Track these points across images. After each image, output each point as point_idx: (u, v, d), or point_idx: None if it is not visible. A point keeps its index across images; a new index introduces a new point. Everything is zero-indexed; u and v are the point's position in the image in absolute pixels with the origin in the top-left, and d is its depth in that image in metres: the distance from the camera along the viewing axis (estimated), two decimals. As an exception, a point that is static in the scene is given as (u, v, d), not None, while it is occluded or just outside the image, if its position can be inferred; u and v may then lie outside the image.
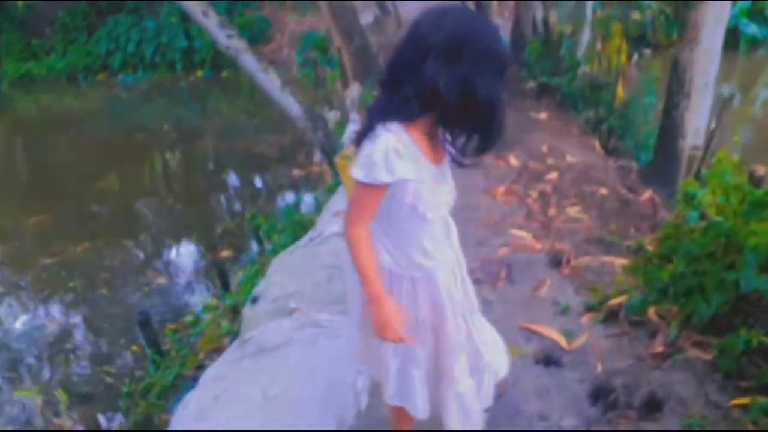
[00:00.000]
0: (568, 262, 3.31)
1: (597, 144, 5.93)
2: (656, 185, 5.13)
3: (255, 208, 7.75)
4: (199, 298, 5.45)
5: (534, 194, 4.23)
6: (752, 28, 9.84)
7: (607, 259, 3.28)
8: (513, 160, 4.87)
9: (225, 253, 6.27)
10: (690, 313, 2.59)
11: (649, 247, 3.32)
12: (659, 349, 2.55)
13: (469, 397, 1.83)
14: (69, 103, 14.20)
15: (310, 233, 4.15)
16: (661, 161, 5.34)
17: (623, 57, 7.22)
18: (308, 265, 3.47)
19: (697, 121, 5.08)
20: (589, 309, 2.86)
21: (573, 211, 3.91)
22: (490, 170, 4.64)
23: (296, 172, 8.69)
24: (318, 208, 6.43)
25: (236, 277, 5.44)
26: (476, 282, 3.17)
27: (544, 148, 5.13)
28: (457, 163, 1.68)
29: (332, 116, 8.67)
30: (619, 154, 6.00)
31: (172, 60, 14.52)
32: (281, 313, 2.96)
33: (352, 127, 6.38)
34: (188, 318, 4.64)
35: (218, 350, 3.99)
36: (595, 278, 3.13)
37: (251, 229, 6.44)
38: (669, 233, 3.35)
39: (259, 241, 5.96)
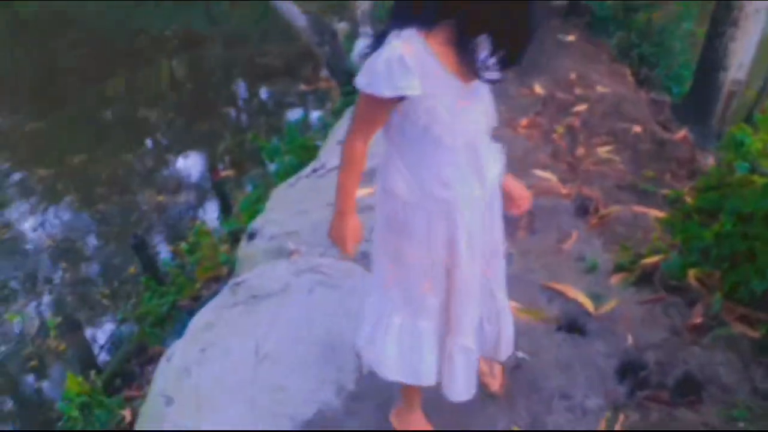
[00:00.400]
0: (597, 210, 3.00)
1: (628, 73, 5.46)
2: (691, 122, 4.73)
3: (259, 125, 7.40)
4: (200, 221, 5.22)
5: (560, 129, 3.86)
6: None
7: (640, 209, 2.96)
8: (538, 88, 4.45)
9: (227, 173, 5.99)
10: (736, 282, 2.30)
11: (688, 198, 3.00)
12: (698, 320, 2.28)
13: (475, 354, 1.66)
14: (69, 2, 13.47)
15: (314, 163, 3.82)
16: (698, 96, 4.91)
17: None
18: (309, 200, 3.17)
19: (743, 53, 4.61)
20: (620, 268, 2.57)
21: (603, 151, 3.55)
22: (512, 99, 4.24)
23: (303, 86, 8.24)
24: (324, 129, 6.08)
25: (238, 200, 5.19)
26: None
27: (573, 76, 4.69)
28: (480, 78, 1.40)
29: (342, 28, 8.12)
30: (652, 85, 5.54)
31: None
32: (279, 254, 2.70)
33: (363, 43, 5.90)
34: (184, 244, 4.40)
35: (216, 279, 3.79)
36: (626, 231, 2.82)
37: (254, 148, 6.13)
38: (711, 183, 3.02)
39: (262, 162, 5.67)
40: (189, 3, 12.72)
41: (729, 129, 4.87)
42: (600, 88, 4.52)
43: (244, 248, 2.98)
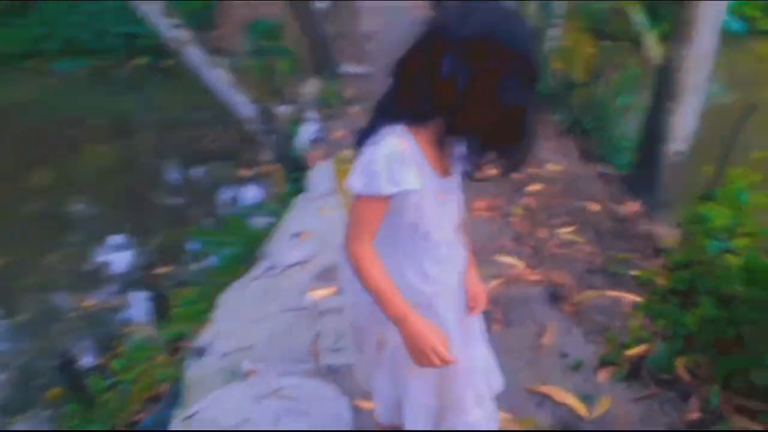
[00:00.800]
0: (570, 297, 2.87)
1: (574, 146, 5.53)
2: (640, 194, 4.77)
3: (196, 214, 7.08)
4: (133, 326, 4.80)
5: (519, 210, 3.77)
6: (736, 25, 9.60)
7: (614, 293, 2.85)
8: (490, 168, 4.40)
9: (162, 269, 5.61)
10: (730, 371, 2.17)
11: (660, 280, 2.91)
12: (696, 415, 2.12)
13: (480, 426, 1.64)
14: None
15: (265, 260, 3.58)
16: (644, 168, 4.96)
17: (590, 51, 6.88)
18: (264, 306, 2.92)
19: (684, 126, 4.72)
20: (605, 362, 2.41)
21: (565, 232, 3.47)
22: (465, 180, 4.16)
23: (243, 171, 8.03)
24: (270, 216, 5.85)
25: (176, 301, 4.83)
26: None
27: (523, 154, 4.67)
28: (468, 177, 1.47)
29: (283, 111, 8.05)
30: (597, 158, 5.62)
31: (112, 46, 13.52)
32: (233, 375, 2.40)
33: (310, 128, 5.80)
34: (116, 361, 3.97)
35: (155, 399, 3.40)
36: (605, 319, 2.69)
37: (193, 239, 5.82)
38: (680, 261, 2.94)
39: (203, 255, 5.34)
40: (126, 91, 12.60)
41: (675, 200, 4.99)
42: (551, 166, 4.52)
43: (192, 368, 2.66)
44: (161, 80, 12.85)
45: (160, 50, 13.00)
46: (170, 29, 4.58)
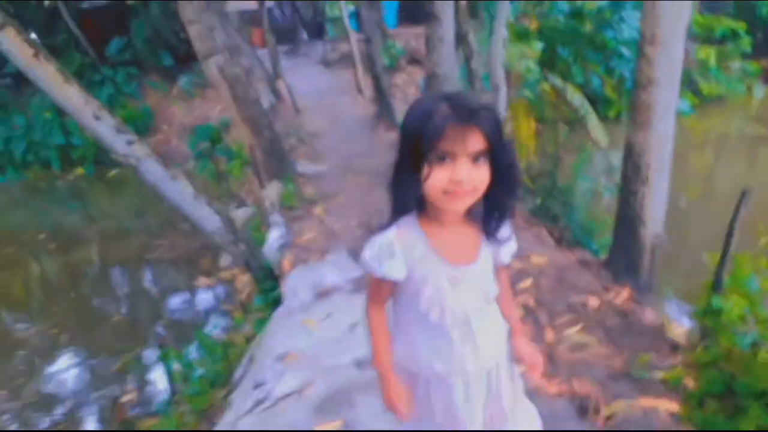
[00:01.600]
0: (598, 410, 2.65)
1: (546, 233, 5.49)
2: (622, 279, 4.71)
3: (154, 329, 6.58)
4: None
5: (519, 311, 3.59)
6: (684, 106, 10.12)
7: (647, 402, 2.64)
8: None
9: (127, 398, 5.10)
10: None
11: (689, 382, 2.74)
12: None
13: None
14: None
15: (250, 390, 3.21)
16: (623, 253, 4.93)
17: (531, 139, 7.03)
18: (266, 451, 2.56)
19: (657, 208, 4.75)
20: (663, 488, 2.18)
21: (574, 333, 3.29)
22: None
23: (202, 280, 7.61)
24: (238, 329, 5.46)
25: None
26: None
27: (503, 248, 4.55)
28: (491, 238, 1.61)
29: (242, 214, 7.78)
30: (570, 243, 5.58)
31: (46, 158, 13.06)
32: None
33: (275, 233, 5.56)
34: None
35: None
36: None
37: (156, 359, 5.35)
38: (706, 360, 2.80)
39: (172, 380, 4.87)
40: (66, 203, 12.06)
41: (658, 282, 4.95)
42: (535, 258, 4.40)
43: None
44: (102, 190, 12.41)
45: (98, 159, 12.78)
46: (125, 146, 4.32)
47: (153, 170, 4.38)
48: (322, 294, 4.21)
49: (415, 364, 1.63)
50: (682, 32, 4.26)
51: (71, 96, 4.19)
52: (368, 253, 1.52)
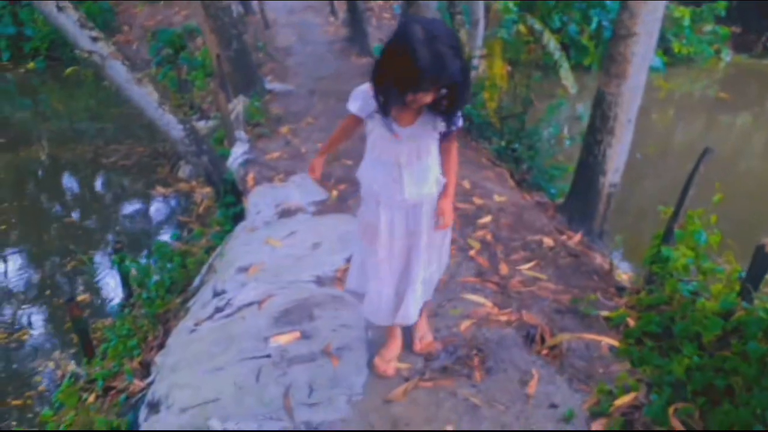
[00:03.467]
0: (543, 340, 2.80)
1: (508, 175, 5.59)
2: (576, 223, 4.87)
3: (109, 234, 6.50)
4: (52, 362, 4.28)
5: (476, 244, 3.70)
6: (657, 62, 10.17)
7: (589, 336, 2.81)
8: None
9: (80, 298, 5.08)
10: (728, 423, 2.16)
11: (630, 320, 2.92)
12: (695, 470, 2.10)
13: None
14: None
15: (210, 298, 3.26)
16: (580, 198, 5.07)
17: (503, 80, 7.01)
18: (224, 352, 2.63)
19: (618, 158, 4.88)
20: (596, 413, 2.35)
21: (527, 268, 3.43)
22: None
23: (159, 189, 7.48)
24: (194, 240, 5.45)
25: (100, 334, 4.37)
26: (447, 372, 2.57)
27: (467, 184, 4.64)
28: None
29: (203, 125, 7.61)
30: (530, 185, 5.71)
31: (-6, 47, 12.35)
32: (202, 440, 2.12)
33: (240, 149, 5.48)
34: (47, 409, 3.50)
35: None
36: (585, 365, 2.63)
37: (111, 268, 5.31)
38: (648, 303, 2.97)
39: (126, 285, 4.86)
40: (18, 98, 11.50)
41: (609, 230, 5.14)
42: (497, 197, 4.51)
43: (148, 424, 2.34)
44: (55, 87, 11.86)
45: (52, 55, 12.15)
46: (90, 42, 4.13)
47: (118, 71, 4.22)
48: (286, 213, 4.23)
49: (365, 183, 2.29)
50: (666, -13, 4.27)
51: (33, -18, 3.97)
52: (352, 94, 2.17)
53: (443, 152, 2.26)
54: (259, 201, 4.41)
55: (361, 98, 2.12)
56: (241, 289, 3.15)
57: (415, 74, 1.89)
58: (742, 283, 2.73)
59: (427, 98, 1.98)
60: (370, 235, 2.31)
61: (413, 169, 2.19)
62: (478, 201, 4.36)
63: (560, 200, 5.44)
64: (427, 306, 2.61)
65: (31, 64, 12.41)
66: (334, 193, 4.58)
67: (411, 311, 2.35)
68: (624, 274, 3.94)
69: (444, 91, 2.00)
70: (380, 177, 2.21)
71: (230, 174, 4.95)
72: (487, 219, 4.08)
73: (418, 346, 2.66)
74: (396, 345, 2.57)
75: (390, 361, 2.54)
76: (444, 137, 2.18)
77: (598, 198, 4.95)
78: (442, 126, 2.13)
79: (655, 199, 6.87)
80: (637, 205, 6.75)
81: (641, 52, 4.53)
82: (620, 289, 3.34)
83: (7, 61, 12.46)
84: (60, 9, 4.01)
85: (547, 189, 5.77)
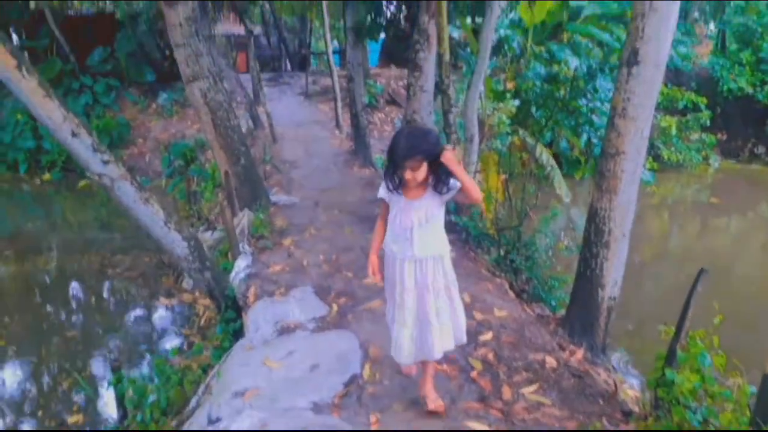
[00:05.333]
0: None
1: (507, 286, 5.61)
2: (577, 338, 4.83)
3: (110, 354, 6.43)
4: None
5: (478, 364, 3.67)
6: (647, 175, 10.51)
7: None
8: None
9: (73, 419, 4.98)
10: None
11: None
12: None
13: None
14: None
15: (207, 424, 3.21)
16: (580, 312, 5.06)
17: (499, 191, 7.20)
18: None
19: (615, 272, 4.91)
20: None
21: (530, 392, 3.38)
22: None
23: (163, 300, 7.52)
24: (193, 354, 5.40)
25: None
26: None
27: (467, 297, 4.65)
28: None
29: (210, 238, 7.75)
30: (530, 297, 5.71)
31: (14, 161, 12.83)
32: None
33: (243, 262, 5.57)
34: None
35: None
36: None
37: (107, 381, 5.22)
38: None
39: (122, 405, 4.77)
40: (32, 209, 11.80)
41: (610, 343, 5.09)
42: (497, 312, 4.51)
43: None
44: (68, 198, 12.21)
45: (67, 167, 12.60)
46: (101, 166, 4.33)
47: (126, 191, 4.39)
48: (285, 330, 4.24)
49: (387, 247, 2.99)
50: (651, 109, 4.47)
51: (51, 111, 4.18)
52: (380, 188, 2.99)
53: (459, 192, 2.85)
54: (259, 318, 4.42)
55: (382, 186, 2.93)
56: (236, 417, 3.10)
57: (392, 156, 2.78)
58: (752, 412, 2.68)
59: (418, 174, 2.77)
60: (389, 287, 3.02)
61: (422, 230, 2.90)
62: (478, 316, 4.37)
63: (561, 311, 5.43)
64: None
65: (46, 176, 12.86)
66: (335, 307, 4.61)
67: (431, 346, 2.95)
68: (629, 390, 3.86)
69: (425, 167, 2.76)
70: (398, 239, 2.92)
71: (231, 290, 5.00)
72: (488, 336, 4.07)
73: (431, 405, 3.09)
74: (430, 381, 3.14)
75: (436, 399, 3.11)
76: (449, 191, 2.85)
77: (598, 312, 4.93)
78: (444, 190, 2.84)
79: (656, 304, 6.86)
80: (638, 310, 6.73)
81: (630, 170, 4.67)
82: (626, 414, 3.27)
83: (24, 173, 12.91)
84: (74, 135, 4.22)
85: (548, 300, 5.77)
